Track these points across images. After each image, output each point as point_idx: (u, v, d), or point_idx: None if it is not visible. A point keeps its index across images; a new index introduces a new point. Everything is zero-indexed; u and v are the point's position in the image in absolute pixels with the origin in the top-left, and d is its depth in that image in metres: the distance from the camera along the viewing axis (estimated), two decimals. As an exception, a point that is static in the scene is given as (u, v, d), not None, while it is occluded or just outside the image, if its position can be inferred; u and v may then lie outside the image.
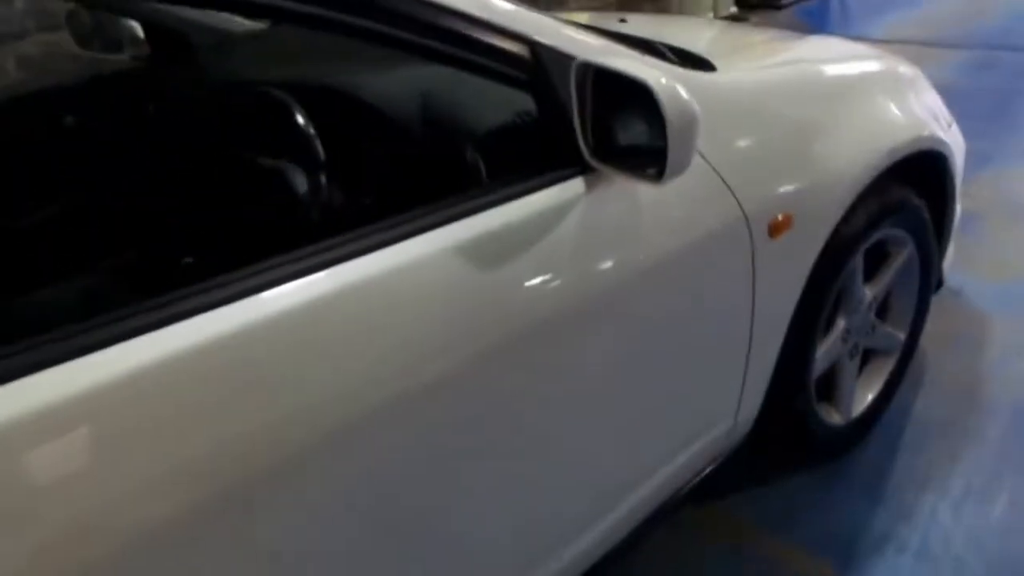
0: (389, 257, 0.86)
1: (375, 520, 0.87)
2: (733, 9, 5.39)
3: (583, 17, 2.13)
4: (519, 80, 1.02)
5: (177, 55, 1.65)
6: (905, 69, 1.68)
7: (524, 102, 1.07)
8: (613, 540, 1.23)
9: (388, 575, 0.91)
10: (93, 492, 0.65)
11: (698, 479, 1.34)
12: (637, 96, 0.92)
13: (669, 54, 1.30)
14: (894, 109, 1.53)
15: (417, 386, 0.86)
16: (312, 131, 1.10)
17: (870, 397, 1.67)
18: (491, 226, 0.94)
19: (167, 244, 1.33)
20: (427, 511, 0.93)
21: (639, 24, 1.83)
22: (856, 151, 1.37)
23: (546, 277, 0.97)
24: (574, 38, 1.04)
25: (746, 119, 1.25)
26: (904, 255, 1.59)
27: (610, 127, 0.99)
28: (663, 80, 0.91)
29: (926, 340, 1.86)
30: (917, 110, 1.58)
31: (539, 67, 1.00)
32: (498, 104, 1.14)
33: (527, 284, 0.96)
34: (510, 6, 1.00)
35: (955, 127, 1.73)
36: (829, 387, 1.58)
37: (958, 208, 1.81)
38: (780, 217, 1.24)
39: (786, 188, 1.26)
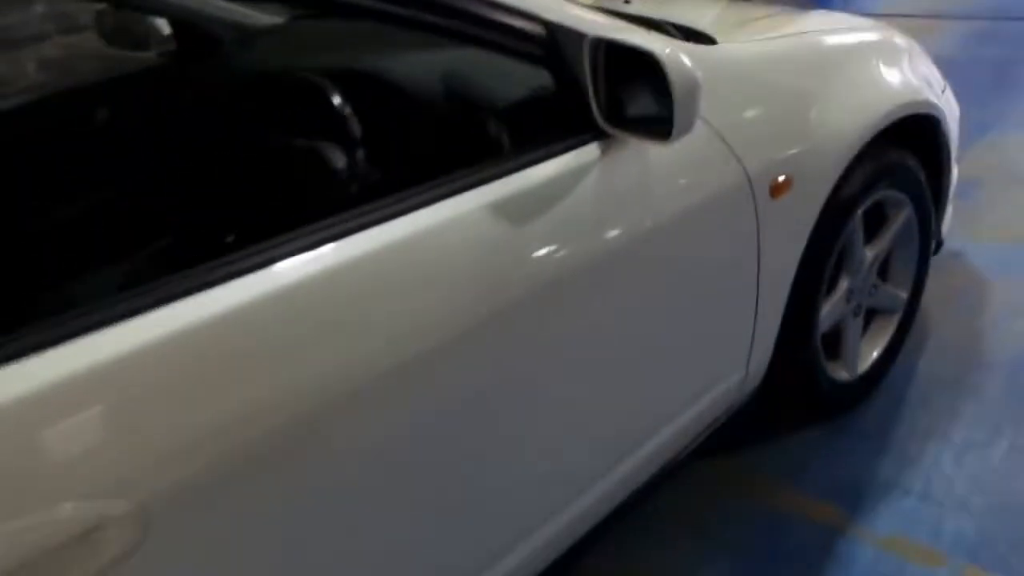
0: (423, 218, 0.96)
1: (414, 462, 0.97)
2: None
3: (588, 0, 2.24)
4: (535, 57, 1.14)
5: (203, 50, 1.77)
6: (900, 40, 1.79)
7: (539, 78, 1.19)
8: (631, 488, 1.35)
9: (403, 521, 1.01)
10: (189, 420, 0.77)
11: (713, 428, 1.46)
12: (645, 66, 1.04)
13: (672, 30, 1.42)
14: (888, 76, 1.64)
15: (452, 335, 0.97)
16: (349, 110, 1.21)
17: (875, 354, 1.78)
18: (515, 189, 1.05)
19: (209, 226, 1.45)
20: (457, 457, 1.02)
21: (643, 5, 1.94)
22: (850, 115, 1.49)
23: (566, 234, 1.09)
24: (585, 17, 1.16)
25: (746, 87, 1.37)
26: (902, 217, 1.70)
27: (620, 99, 1.11)
28: (667, 50, 1.03)
29: (928, 300, 1.98)
30: (910, 77, 1.69)
31: (554, 44, 1.12)
32: (515, 81, 1.25)
33: (549, 241, 1.07)
34: (526, -10, 1.12)
35: (949, 93, 1.84)
36: (836, 345, 1.70)
37: (955, 172, 1.92)
38: (781, 179, 1.35)
39: (785, 151, 1.38)
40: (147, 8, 1.79)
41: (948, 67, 1.86)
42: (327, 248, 0.89)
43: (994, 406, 1.77)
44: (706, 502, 1.61)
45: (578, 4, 1.25)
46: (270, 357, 0.83)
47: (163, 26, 1.82)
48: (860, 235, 1.61)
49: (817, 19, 2.00)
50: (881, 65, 1.65)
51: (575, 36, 1.11)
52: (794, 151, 1.39)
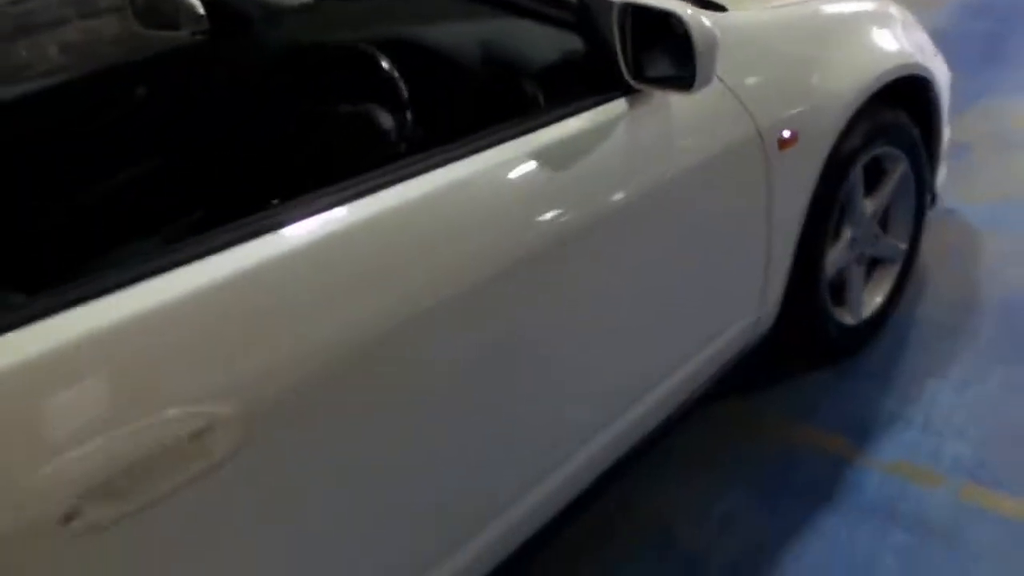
0: (467, 166, 1.10)
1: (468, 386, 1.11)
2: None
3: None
4: (568, 23, 1.30)
5: (235, 29, 1.91)
6: (894, 10, 1.97)
7: (569, 43, 1.35)
8: (658, 420, 1.51)
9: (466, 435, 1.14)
10: (287, 338, 0.91)
11: (729, 367, 1.63)
12: (666, 29, 1.20)
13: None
14: (882, 42, 1.82)
15: (494, 272, 1.10)
16: (397, 74, 1.37)
17: (878, 300, 1.97)
18: (551, 139, 1.21)
19: (259, 189, 1.60)
20: (506, 382, 1.16)
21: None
22: (849, 77, 1.66)
23: (596, 181, 1.25)
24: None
25: (755, 50, 1.54)
26: (899, 171, 1.88)
27: (642, 63, 1.27)
28: (688, 11, 1.20)
29: (925, 254, 2.16)
30: (903, 43, 1.87)
31: (586, 10, 1.28)
32: (546, 46, 1.41)
33: (581, 185, 1.22)
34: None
35: (940, 57, 2.02)
36: (841, 293, 1.88)
37: (947, 132, 2.10)
38: (787, 133, 1.52)
39: (791, 109, 1.55)
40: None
41: (942, 39, 2.04)
42: (393, 190, 1.03)
43: (988, 347, 1.95)
44: (720, 442, 1.78)
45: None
46: (358, 280, 0.98)
47: (197, 5, 1.96)
48: (860, 188, 1.78)
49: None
50: (876, 32, 1.82)
51: (606, 3, 1.27)
52: (799, 109, 1.56)
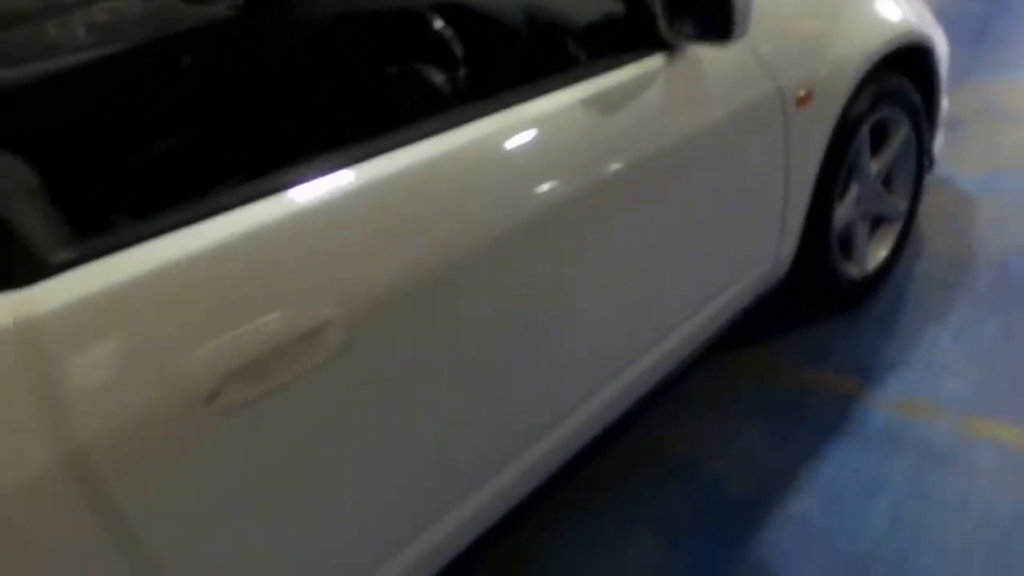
0: (518, 113, 1.24)
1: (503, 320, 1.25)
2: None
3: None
4: (610, -15, 1.46)
5: (270, 4, 2.04)
6: (896, -17, 2.14)
7: (609, 3, 1.51)
8: (685, 354, 1.67)
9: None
10: (383, 254, 1.07)
11: (749, 307, 1.80)
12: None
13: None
14: (887, 12, 1.98)
15: (545, 205, 1.25)
16: (450, 33, 1.52)
17: (882, 255, 2.16)
18: (594, 90, 1.36)
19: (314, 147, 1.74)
20: (540, 319, 1.30)
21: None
22: (858, 43, 1.83)
23: (635, 128, 1.40)
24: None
25: (773, 18, 1.70)
26: (902, 134, 2.06)
27: (678, 22, 1.43)
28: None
29: (924, 219, 2.35)
30: (907, 13, 2.04)
31: (625, -28, 1.44)
32: (588, 6, 1.57)
33: (622, 134, 1.38)
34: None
35: (939, 31, 2.19)
36: (848, 247, 2.05)
37: (945, 101, 2.28)
38: (803, 92, 1.69)
39: (807, 71, 1.72)
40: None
41: (939, 21, 2.22)
42: (445, 136, 1.16)
43: (984, 298, 2.14)
44: (736, 385, 1.96)
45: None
46: (437, 207, 1.13)
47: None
48: (867, 148, 1.96)
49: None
50: (882, 4, 1.99)
51: (644, -37, 1.43)
52: (813, 71, 1.73)
